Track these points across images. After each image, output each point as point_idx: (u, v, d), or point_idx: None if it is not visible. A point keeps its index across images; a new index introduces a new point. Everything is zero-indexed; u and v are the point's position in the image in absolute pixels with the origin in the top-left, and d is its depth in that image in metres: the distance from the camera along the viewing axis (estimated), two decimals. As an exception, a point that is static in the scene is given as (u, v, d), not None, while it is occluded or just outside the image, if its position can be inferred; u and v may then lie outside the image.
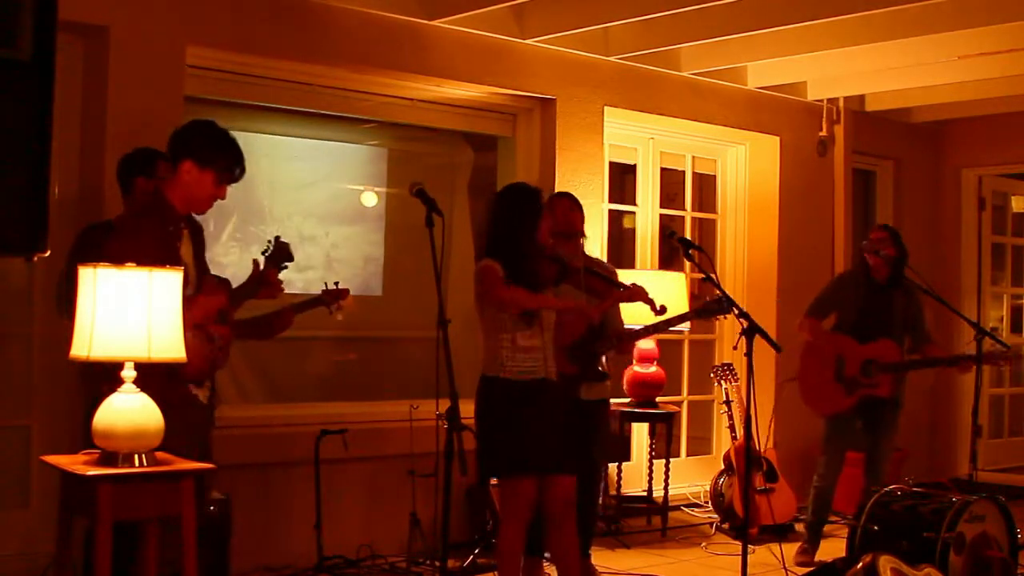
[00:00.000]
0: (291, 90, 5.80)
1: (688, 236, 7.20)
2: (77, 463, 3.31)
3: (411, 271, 6.56)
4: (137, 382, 3.29)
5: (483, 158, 7.01)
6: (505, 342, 4.43)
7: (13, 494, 4.95)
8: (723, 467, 6.74)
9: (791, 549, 5.88)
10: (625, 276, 5.43)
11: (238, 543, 4.63)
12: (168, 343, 3.29)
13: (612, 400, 6.54)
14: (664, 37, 6.41)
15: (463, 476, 4.17)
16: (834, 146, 7.95)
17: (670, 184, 7.68)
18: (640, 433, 7.14)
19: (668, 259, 7.52)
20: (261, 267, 4.22)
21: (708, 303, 5.21)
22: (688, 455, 7.61)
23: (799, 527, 6.54)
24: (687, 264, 6.51)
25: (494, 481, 4.66)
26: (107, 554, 3.18)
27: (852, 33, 6.32)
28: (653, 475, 6.79)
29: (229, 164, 3.91)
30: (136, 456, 3.26)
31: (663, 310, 4.98)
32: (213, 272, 4.17)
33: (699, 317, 5.47)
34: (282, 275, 4.28)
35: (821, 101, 7.80)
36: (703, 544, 6.35)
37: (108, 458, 3.26)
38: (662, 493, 6.68)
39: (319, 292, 4.78)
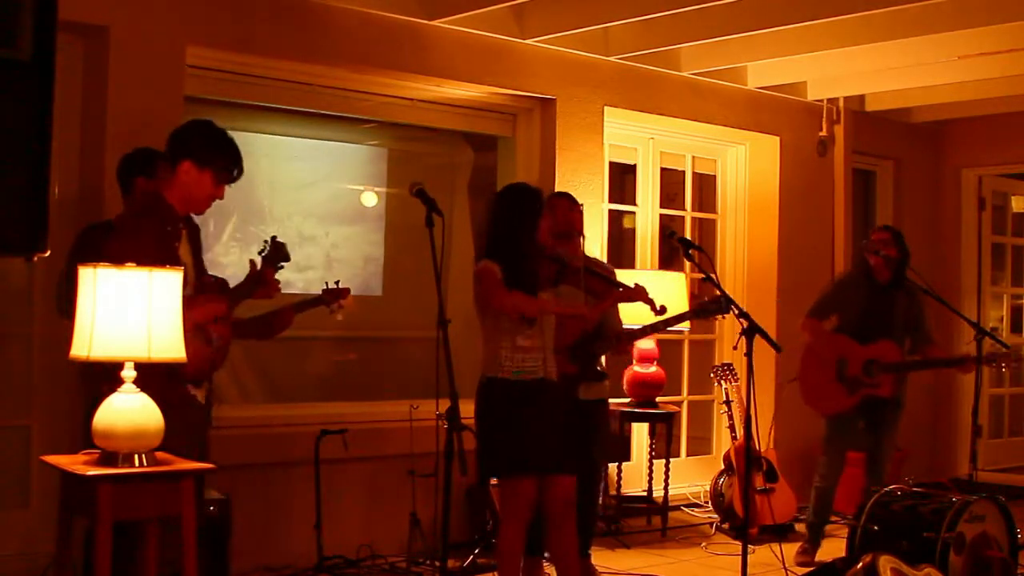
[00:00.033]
0: (291, 90, 5.80)
1: (688, 236, 7.21)
2: (77, 463, 3.31)
3: (411, 271, 6.56)
4: (137, 382, 3.29)
5: (483, 158, 7.01)
6: (505, 343, 4.43)
7: (13, 494, 4.95)
8: (723, 467, 6.74)
9: (791, 549, 5.88)
10: (625, 276, 5.43)
11: (238, 543, 4.63)
12: (168, 343, 3.29)
13: (612, 400, 6.56)
14: (664, 37, 6.41)
15: (463, 476, 4.16)
16: (834, 146, 7.95)
17: (670, 184, 7.68)
18: (640, 433, 7.14)
19: (668, 259, 7.52)
20: (258, 267, 4.23)
21: (706, 303, 5.21)
22: (688, 455, 7.61)
23: (799, 527, 6.54)
24: (687, 264, 6.51)
25: (494, 481, 4.65)
26: (107, 554, 3.18)
27: (852, 33, 6.32)
28: (653, 475, 6.79)
29: (228, 164, 3.92)
30: (136, 456, 3.26)
31: (663, 310, 4.98)
32: (211, 272, 4.18)
33: (697, 317, 5.47)
34: (282, 275, 4.29)
35: (821, 101, 7.80)
36: (703, 544, 6.35)
37: (108, 458, 3.26)
38: (662, 493, 6.68)
39: (319, 292, 4.79)
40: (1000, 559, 4.85)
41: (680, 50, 6.86)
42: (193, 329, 3.63)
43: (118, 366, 3.28)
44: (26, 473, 4.95)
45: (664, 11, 5.79)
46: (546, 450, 4.42)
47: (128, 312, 3.22)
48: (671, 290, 6.40)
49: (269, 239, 4.28)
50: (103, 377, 3.40)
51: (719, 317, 5.61)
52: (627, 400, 6.63)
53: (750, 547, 4.97)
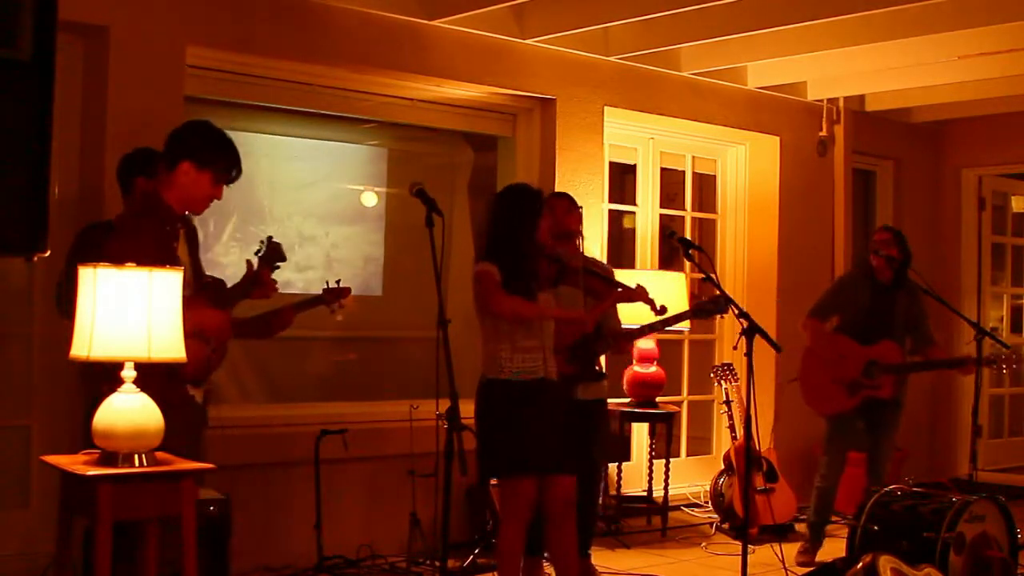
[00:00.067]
0: (291, 90, 5.80)
1: (688, 236, 7.21)
2: (77, 463, 3.31)
3: (411, 271, 6.56)
4: (137, 382, 3.29)
5: (483, 158, 7.00)
6: (505, 344, 4.43)
7: (13, 494, 4.95)
8: (723, 467, 6.74)
9: (791, 549, 5.88)
10: (625, 276, 5.43)
11: (238, 543, 4.62)
12: (168, 343, 3.29)
13: (612, 400, 6.56)
14: (664, 37, 6.41)
15: (463, 476, 4.16)
16: (834, 146, 7.95)
17: (670, 184, 7.68)
18: (640, 433, 7.14)
19: (668, 259, 7.52)
20: (255, 267, 4.24)
21: (704, 302, 5.21)
22: (688, 455, 7.61)
23: (799, 527, 6.54)
24: (687, 264, 6.51)
25: (494, 481, 4.65)
26: (107, 554, 3.18)
27: (852, 33, 6.32)
28: (653, 475, 6.79)
29: (227, 165, 3.92)
30: (136, 456, 3.26)
31: (663, 310, 4.98)
32: (210, 272, 4.18)
33: (696, 317, 5.48)
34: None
35: (821, 101, 7.80)
36: (703, 544, 6.35)
37: (108, 458, 3.26)
38: (662, 493, 6.68)
39: (319, 291, 4.79)
40: (1000, 559, 4.86)
41: (680, 50, 6.86)
42: (191, 331, 3.63)
43: (118, 366, 3.28)
44: (26, 473, 4.95)
45: (664, 11, 5.79)
46: (546, 450, 4.42)
47: (128, 312, 3.22)
48: (671, 290, 6.40)
49: (265, 239, 4.30)
50: (103, 377, 3.40)
51: (718, 317, 5.61)
52: (627, 400, 6.63)
53: (750, 547, 4.98)
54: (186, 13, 5.14)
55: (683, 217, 7.61)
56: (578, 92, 6.56)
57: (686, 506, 7.15)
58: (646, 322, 5.26)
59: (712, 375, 6.85)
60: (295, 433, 5.45)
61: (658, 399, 6.65)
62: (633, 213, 7.35)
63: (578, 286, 4.82)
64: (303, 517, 5.34)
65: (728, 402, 6.60)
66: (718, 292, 4.86)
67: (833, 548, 5.83)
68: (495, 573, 4.59)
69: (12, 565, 4.75)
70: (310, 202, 6.73)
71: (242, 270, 4.32)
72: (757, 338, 4.56)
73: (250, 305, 4.38)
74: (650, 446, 6.82)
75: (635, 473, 7.02)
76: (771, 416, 7.44)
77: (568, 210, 5.18)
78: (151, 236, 3.75)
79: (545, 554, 4.85)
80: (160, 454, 3.36)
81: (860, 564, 4.28)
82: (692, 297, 6.85)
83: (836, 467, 5.96)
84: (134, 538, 3.47)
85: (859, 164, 8.38)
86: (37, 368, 4.95)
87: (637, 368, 6.57)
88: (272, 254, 4.26)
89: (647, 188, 7.34)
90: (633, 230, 7.38)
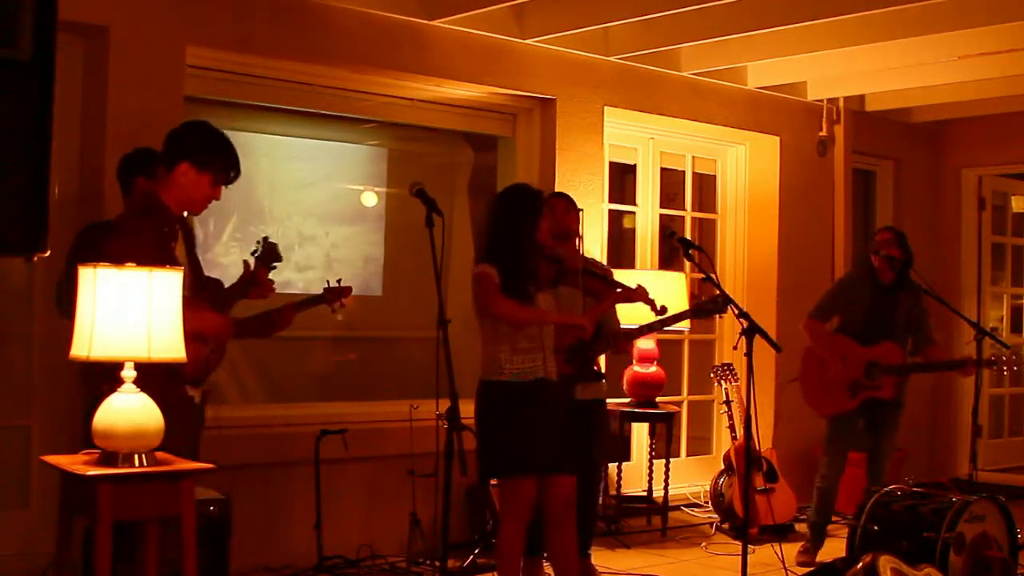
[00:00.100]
0: (291, 90, 5.80)
1: (688, 236, 7.20)
2: (77, 463, 3.31)
3: (411, 271, 6.56)
4: (137, 382, 3.29)
5: (483, 158, 7.00)
6: (504, 345, 4.42)
7: (13, 494, 4.95)
8: (723, 467, 6.74)
9: (791, 549, 5.88)
10: (625, 276, 5.43)
11: (238, 543, 4.62)
12: (168, 343, 3.29)
13: (613, 400, 6.56)
14: (664, 37, 6.41)
15: (463, 476, 4.17)
16: (834, 146, 7.95)
17: (670, 184, 7.68)
18: (640, 433, 7.14)
19: (668, 259, 7.52)
20: (251, 267, 4.25)
21: (703, 302, 5.21)
22: (688, 455, 7.61)
23: (799, 527, 6.54)
24: (687, 264, 6.51)
25: (494, 481, 4.65)
26: (107, 554, 3.18)
27: (852, 33, 6.32)
28: (653, 475, 6.79)
29: (226, 166, 3.94)
30: (136, 456, 3.26)
31: (663, 311, 4.98)
32: (208, 272, 4.19)
33: (694, 317, 5.48)
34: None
35: (821, 101, 7.80)
36: (703, 544, 6.35)
37: (108, 458, 3.26)
38: (662, 493, 6.68)
39: (320, 291, 4.79)
40: (1000, 559, 4.85)
41: (680, 50, 6.86)
42: (190, 332, 3.64)
43: (118, 366, 3.28)
44: (26, 473, 4.95)
45: (664, 11, 5.79)
46: (546, 450, 4.42)
47: (128, 312, 3.22)
48: (671, 290, 6.40)
49: (261, 240, 4.32)
50: (103, 377, 3.40)
51: (718, 317, 5.60)
52: (627, 400, 6.63)
53: (750, 547, 4.98)
54: (186, 13, 5.14)
55: (683, 217, 7.61)
56: (578, 92, 6.56)
57: (686, 506, 7.15)
58: (645, 322, 5.26)
59: (712, 375, 6.85)
60: (295, 433, 5.45)
61: (658, 399, 6.65)
62: (633, 213, 7.35)
63: (577, 286, 4.82)
64: (303, 517, 5.34)
65: (728, 402, 6.60)
66: (718, 292, 4.86)
67: (833, 548, 5.83)
68: (495, 573, 4.59)
69: (12, 565, 4.75)
70: (310, 202, 6.74)
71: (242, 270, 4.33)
72: (757, 338, 4.56)
73: (249, 305, 4.38)
74: (650, 446, 6.82)
75: (635, 473, 7.02)
76: (771, 416, 7.44)
77: (567, 210, 5.18)
78: (150, 236, 3.75)
79: (545, 554, 4.85)
80: (160, 454, 3.36)
81: (860, 564, 4.28)
82: (692, 297, 6.85)
83: (837, 467, 5.96)
84: (134, 538, 3.47)
85: (859, 164, 8.38)
86: (37, 368, 4.95)
87: (637, 368, 6.57)
88: (268, 254, 4.27)
89: (647, 188, 7.34)
90: (633, 230, 7.38)
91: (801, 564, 5.77)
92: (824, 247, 7.90)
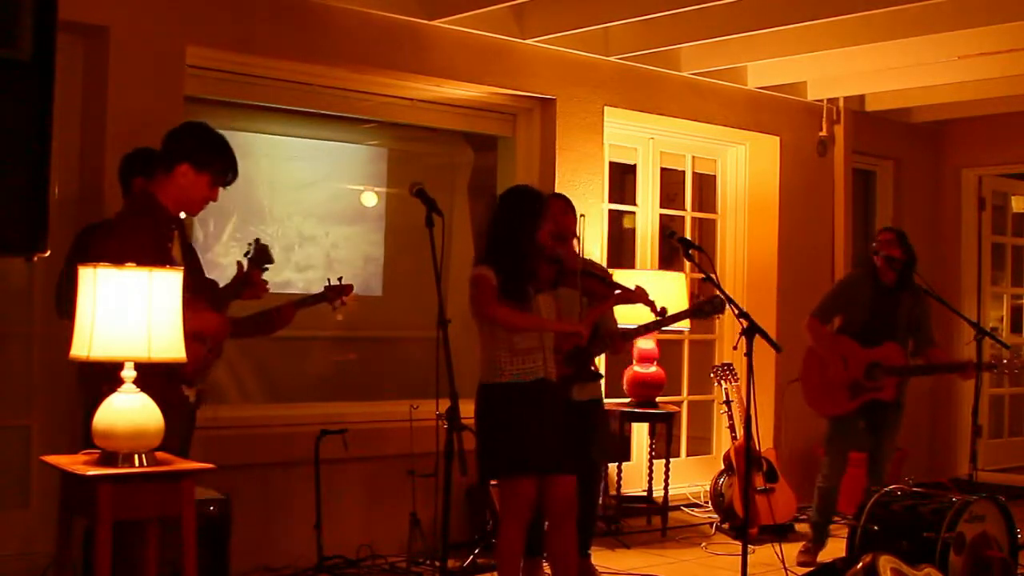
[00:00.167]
0: (291, 90, 5.80)
1: (688, 236, 7.21)
2: (77, 463, 3.31)
3: (411, 271, 6.56)
4: (137, 382, 3.29)
5: (483, 158, 7.00)
6: (503, 347, 4.41)
7: (13, 494, 4.95)
8: (723, 467, 6.74)
9: (791, 549, 5.88)
10: (625, 276, 5.43)
11: (238, 543, 4.63)
12: (168, 343, 3.29)
13: (613, 400, 6.56)
14: (664, 37, 6.41)
15: (463, 476, 4.17)
16: (834, 146, 7.95)
17: (670, 184, 7.68)
18: (640, 433, 7.14)
19: (668, 259, 7.52)
20: (244, 268, 4.26)
21: (701, 303, 5.21)
22: (688, 455, 7.61)
23: (799, 527, 6.55)
24: (687, 264, 6.51)
25: (494, 481, 4.65)
26: (107, 554, 3.18)
27: (852, 33, 6.32)
28: (653, 475, 6.79)
29: (224, 167, 3.95)
30: (136, 456, 3.26)
31: (663, 312, 4.98)
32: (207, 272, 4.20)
33: (693, 317, 5.47)
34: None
35: (821, 101, 7.80)
36: (703, 544, 6.35)
37: (108, 458, 3.26)
38: (662, 493, 6.68)
39: (321, 290, 4.79)
40: (1000, 559, 4.85)
41: (680, 50, 6.86)
42: (189, 332, 3.64)
43: (118, 366, 3.28)
44: (26, 473, 4.95)
45: (664, 11, 5.79)
46: (546, 450, 4.41)
47: (128, 312, 3.22)
48: (671, 290, 6.40)
49: (253, 242, 4.35)
50: (103, 377, 3.40)
51: (717, 317, 5.60)
52: (627, 400, 6.63)
53: (750, 547, 4.97)
54: (186, 13, 5.14)
55: (683, 217, 7.61)
56: (578, 92, 6.56)
57: (686, 506, 7.15)
58: (643, 323, 5.26)
59: (712, 375, 6.85)
60: (295, 433, 5.45)
61: (658, 399, 6.65)
62: (633, 213, 7.35)
63: (577, 287, 4.82)
64: (303, 517, 5.34)
65: (728, 402, 6.60)
66: (716, 292, 4.86)
67: (833, 548, 5.83)
68: (495, 573, 4.58)
69: (12, 565, 4.75)
70: (310, 202, 6.73)
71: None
72: (757, 338, 4.55)
73: (248, 304, 4.39)
74: (650, 446, 6.82)
75: (635, 473, 7.02)
76: (771, 416, 7.44)
77: (565, 211, 5.18)
78: (149, 236, 3.75)
79: (545, 554, 4.85)
80: (160, 454, 3.36)
81: (860, 564, 4.28)
82: (692, 297, 6.85)
83: (838, 467, 5.95)
84: (134, 538, 3.47)
85: (859, 164, 8.38)
86: (37, 368, 4.95)
87: (637, 368, 6.57)
88: (260, 256, 4.30)
89: (647, 188, 7.34)
90: (633, 230, 7.38)
91: (801, 564, 5.77)
92: (824, 247, 7.90)
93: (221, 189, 3.99)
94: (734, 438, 6.56)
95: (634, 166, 7.34)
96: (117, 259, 3.29)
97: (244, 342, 5.69)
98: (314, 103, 5.98)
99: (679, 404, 7.45)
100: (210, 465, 3.51)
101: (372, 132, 6.87)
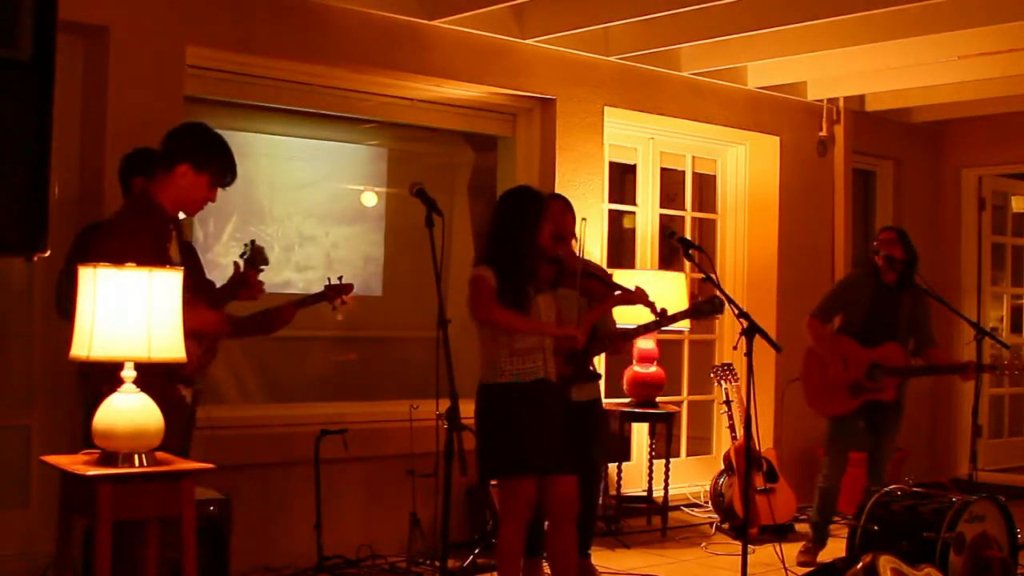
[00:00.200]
0: (291, 90, 5.80)
1: (688, 236, 7.20)
2: (77, 463, 3.31)
3: (411, 271, 6.56)
4: (137, 382, 3.29)
5: (483, 158, 7.00)
6: (503, 347, 4.42)
7: (13, 494, 4.95)
8: (723, 467, 6.74)
9: (791, 549, 5.88)
10: (625, 276, 5.42)
11: (238, 543, 4.63)
12: (168, 343, 3.29)
13: (613, 400, 6.56)
14: (664, 37, 6.41)
15: (463, 476, 4.17)
16: (834, 146, 7.95)
17: (670, 184, 7.68)
18: (640, 433, 7.14)
19: (668, 259, 7.52)
20: (241, 269, 4.27)
21: (700, 303, 5.21)
22: (688, 455, 7.61)
23: (799, 527, 6.54)
24: (687, 264, 6.51)
25: (494, 481, 4.65)
26: (107, 554, 3.18)
27: (852, 33, 6.32)
28: (653, 475, 6.79)
29: (224, 168, 3.96)
30: (136, 456, 3.26)
31: (663, 313, 4.97)
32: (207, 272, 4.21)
33: (691, 318, 5.47)
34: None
35: (821, 101, 7.80)
36: (703, 544, 6.35)
37: (108, 458, 3.26)
38: (662, 493, 6.67)
39: (321, 289, 4.79)
40: (1000, 559, 4.85)
41: (680, 50, 6.86)
42: (187, 331, 3.65)
43: (118, 366, 3.28)
44: (26, 473, 4.95)
45: (664, 11, 5.79)
46: (546, 450, 4.41)
47: (128, 312, 3.22)
48: (671, 290, 6.40)
49: (249, 243, 4.36)
50: (103, 377, 3.40)
51: (717, 317, 5.60)
52: (627, 400, 6.63)
53: (750, 547, 4.98)
54: (186, 13, 5.14)
55: (683, 217, 7.61)
56: (578, 92, 6.56)
57: (686, 506, 7.15)
58: (642, 323, 5.26)
59: (712, 375, 6.85)
60: (295, 433, 5.45)
61: (658, 399, 6.64)
62: (633, 213, 7.35)
63: (575, 288, 4.81)
64: (303, 517, 5.34)
65: (728, 402, 6.60)
66: (716, 293, 4.86)
67: (833, 548, 5.82)
68: (495, 573, 4.58)
69: (12, 565, 4.75)
70: (310, 202, 6.73)
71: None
72: (757, 338, 4.55)
73: (244, 305, 4.39)
74: (650, 446, 6.82)
75: (635, 473, 7.02)
76: (771, 416, 7.44)
77: (563, 211, 5.18)
78: (148, 236, 3.76)
79: (544, 554, 4.85)
80: (160, 454, 3.36)
81: (860, 564, 4.28)
82: (692, 297, 6.85)
83: (838, 467, 5.95)
84: (134, 538, 3.47)
85: (859, 164, 8.38)
86: (37, 368, 4.95)
87: (637, 368, 6.56)
88: (256, 257, 4.31)
89: (647, 188, 7.34)
90: (633, 230, 7.38)
91: (802, 564, 5.77)
92: (824, 247, 7.90)
93: (220, 190, 3.99)
94: (734, 438, 6.56)
95: (634, 166, 7.34)
96: (117, 259, 3.29)
97: (244, 342, 5.70)
98: (314, 103, 5.98)
99: (679, 404, 7.45)
100: (210, 465, 3.52)
101: (372, 132, 6.87)
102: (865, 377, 5.79)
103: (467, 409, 4.31)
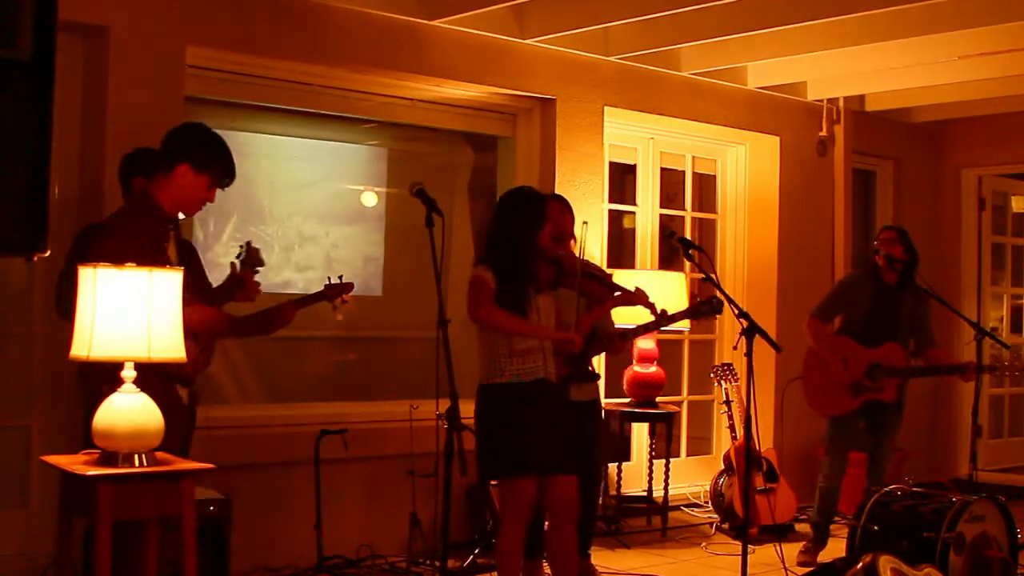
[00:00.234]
0: (291, 90, 5.80)
1: (688, 236, 7.20)
2: (77, 463, 3.31)
3: (411, 271, 6.56)
4: (137, 382, 3.29)
5: (483, 158, 7.00)
6: (503, 348, 4.42)
7: (13, 494, 4.95)
8: (723, 467, 6.74)
9: (791, 549, 5.88)
10: (625, 276, 5.42)
11: (238, 543, 4.64)
12: (168, 343, 3.29)
13: (613, 400, 6.57)
14: (664, 37, 6.41)
15: (463, 476, 4.17)
16: (834, 146, 7.95)
17: (670, 184, 7.68)
18: (640, 433, 7.14)
19: (668, 259, 7.52)
20: (237, 270, 4.28)
21: (699, 303, 5.21)
22: (688, 455, 7.61)
23: (800, 527, 6.54)
24: (687, 264, 6.51)
25: (494, 481, 4.65)
26: (107, 554, 3.18)
27: (852, 33, 6.32)
28: (653, 475, 6.79)
29: (223, 168, 3.96)
30: (136, 456, 3.26)
31: (663, 313, 4.97)
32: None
33: (691, 318, 5.47)
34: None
35: (821, 101, 7.80)
36: (703, 544, 6.35)
37: (108, 458, 3.26)
38: (662, 493, 6.67)
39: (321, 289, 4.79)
40: (1000, 559, 4.85)
41: (680, 50, 6.86)
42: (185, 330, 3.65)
43: (118, 366, 3.28)
44: (26, 473, 4.95)
45: (664, 11, 5.79)
46: (546, 450, 4.41)
47: (128, 312, 3.22)
48: (671, 290, 6.40)
49: (244, 244, 4.37)
50: (103, 377, 3.40)
51: (717, 317, 5.59)
52: (627, 400, 6.63)
53: (750, 547, 4.98)
54: (186, 13, 5.14)
55: (683, 217, 7.61)
56: (578, 92, 6.56)
57: (686, 506, 7.15)
58: (641, 323, 5.26)
59: (712, 375, 6.85)
60: (295, 433, 5.45)
61: (658, 399, 6.64)
62: (633, 213, 7.35)
63: (574, 289, 4.81)
64: (303, 517, 5.34)
65: (728, 402, 6.60)
66: (715, 293, 4.86)
67: (833, 548, 5.82)
68: (495, 573, 4.58)
69: (12, 565, 4.75)
70: (310, 202, 6.73)
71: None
72: (757, 338, 4.55)
73: (244, 305, 4.39)
74: (650, 446, 6.82)
75: (635, 473, 7.02)
76: (771, 416, 7.44)
77: (562, 212, 5.18)
78: (147, 236, 3.76)
79: (544, 554, 4.85)
80: (160, 454, 3.36)
81: (860, 564, 4.28)
82: (692, 297, 6.85)
83: (838, 467, 5.95)
84: (134, 538, 3.47)
85: (859, 164, 8.38)
86: (37, 368, 4.95)
87: (637, 368, 6.56)
88: (251, 258, 4.32)
89: (647, 188, 7.34)
90: (633, 230, 7.38)
91: (802, 564, 5.77)
92: (824, 247, 7.90)
93: (218, 190, 4.00)
94: (734, 438, 6.56)
95: (634, 166, 7.34)
96: (117, 259, 3.29)
97: (244, 342, 5.70)
98: (314, 103, 5.98)
99: (679, 404, 7.45)
100: (210, 465, 3.52)
101: (372, 132, 6.87)
102: (865, 377, 5.79)
103: (467, 409, 4.31)
